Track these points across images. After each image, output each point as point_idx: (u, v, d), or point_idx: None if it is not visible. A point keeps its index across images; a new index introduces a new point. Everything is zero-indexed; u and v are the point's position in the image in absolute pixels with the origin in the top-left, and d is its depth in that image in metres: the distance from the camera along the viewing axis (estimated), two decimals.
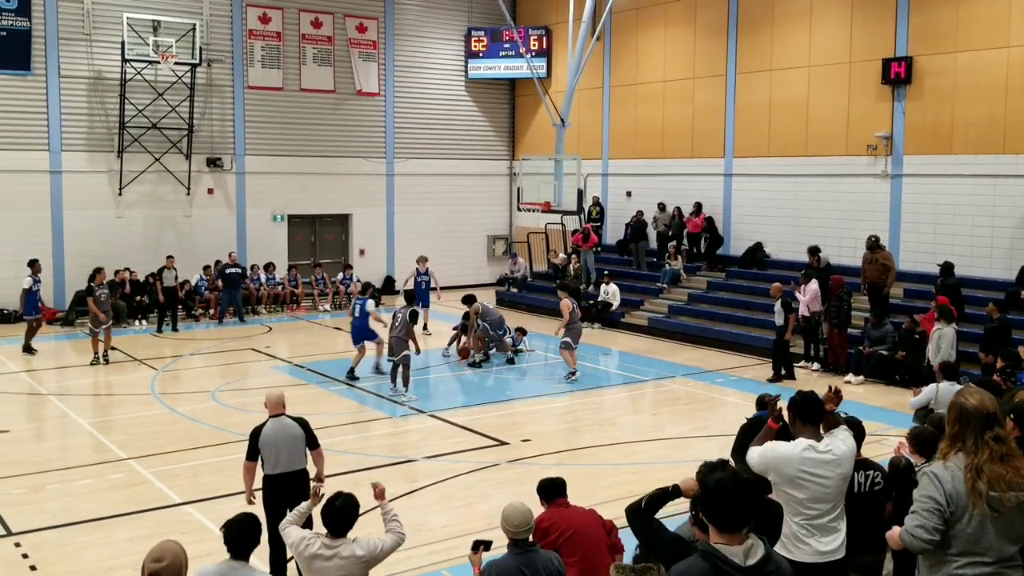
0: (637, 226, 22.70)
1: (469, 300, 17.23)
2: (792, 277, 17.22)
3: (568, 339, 15.47)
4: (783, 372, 15.52)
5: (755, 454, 4.99)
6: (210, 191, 23.28)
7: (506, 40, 26.45)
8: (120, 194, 21.93)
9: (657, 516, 4.53)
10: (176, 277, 20.59)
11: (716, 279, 20.93)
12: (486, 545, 5.37)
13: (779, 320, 15.46)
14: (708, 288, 20.81)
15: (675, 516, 5.70)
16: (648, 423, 13.38)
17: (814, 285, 16.07)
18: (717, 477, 3.51)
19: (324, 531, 5.44)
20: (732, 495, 3.45)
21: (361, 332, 15.65)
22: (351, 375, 15.43)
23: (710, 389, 15.24)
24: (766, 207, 20.94)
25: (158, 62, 21.42)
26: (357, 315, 15.67)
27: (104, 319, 16.66)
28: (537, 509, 5.84)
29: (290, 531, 5.60)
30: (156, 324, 20.20)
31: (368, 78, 25.38)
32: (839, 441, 5.01)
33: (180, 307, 21.11)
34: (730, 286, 20.50)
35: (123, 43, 21.04)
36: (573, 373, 15.49)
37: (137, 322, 20.75)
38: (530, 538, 5.30)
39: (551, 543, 5.72)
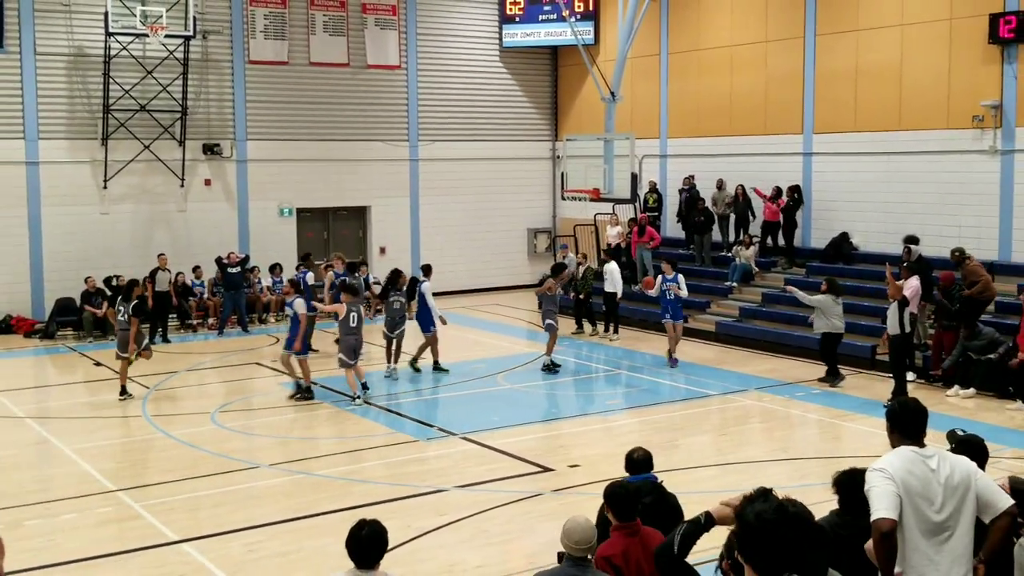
0: (701, 213, 22.50)
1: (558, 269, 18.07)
2: (883, 273, 16.93)
3: (342, 355, 15.16)
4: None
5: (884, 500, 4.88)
6: (207, 182, 23.57)
7: (546, 2, 26.43)
8: (105, 187, 22.28)
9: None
10: (171, 280, 20.87)
11: (794, 276, 20.71)
12: None
13: (893, 328, 15.05)
14: (786, 286, 20.56)
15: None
16: (715, 445, 13.27)
17: (915, 281, 15.83)
18: (757, 509, 3.43)
19: (351, 566, 5.44)
20: (775, 531, 3.38)
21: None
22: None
23: (789, 405, 15.08)
24: (853, 191, 20.68)
25: (146, 35, 21.73)
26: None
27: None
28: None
29: None
30: (149, 335, 20.34)
31: (386, 49, 25.52)
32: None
33: (174, 314, 21.39)
34: (812, 284, 20.19)
35: (107, 14, 21.37)
36: (356, 397, 15.10)
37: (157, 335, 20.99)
38: (588, 556, 5.40)
39: None
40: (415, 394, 16.41)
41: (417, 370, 17.32)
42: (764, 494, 3.53)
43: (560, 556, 5.59)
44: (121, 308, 15.65)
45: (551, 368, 17.13)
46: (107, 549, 9.55)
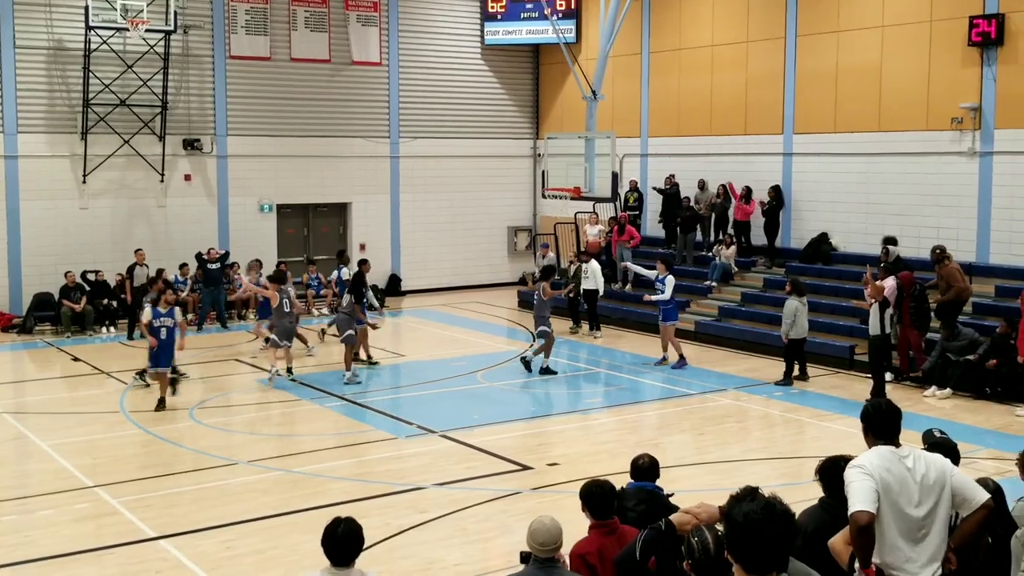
0: (689, 214, 22.54)
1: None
2: (862, 273, 17.04)
3: (274, 337, 16.29)
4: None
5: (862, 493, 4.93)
6: (187, 177, 23.45)
7: (528, 0, 26.44)
8: (84, 181, 22.14)
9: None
10: (148, 275, 20.88)
11: (774, 276, 20.82)
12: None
13: (874, 328, 15.17)
14: (765, 286, 20.70)
15: None
16: (694, 445, 13.33)
17: (891, 281, 15.97)
18: (745, 509, 3.48)
19: (327, 564, 5.42)
20: (763, 529, 3.43)
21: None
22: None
23: (768, 404, 15.17)
24: (832, 192, 20.80)
25: (127, 29, 21.56)
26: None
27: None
28: (571, 525, 5.77)
29: None
30: (127, 331, 20.47)
31: (368, 45, 25.46)
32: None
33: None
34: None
35: (87, 8, 21.21)
36: (275, 375, 16.01)
37: (105, 329, 20.93)
38: (555, 556, 5.40)
39: None
40: (393, 391, 16.41)
41: (375, 363, 17.54)
42: (751, 493, 3.56)
43: (523, 556, 5.57)
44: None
45: (550, 371, 16.81)
46: (84, 545, 9.50)
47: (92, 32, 21.54)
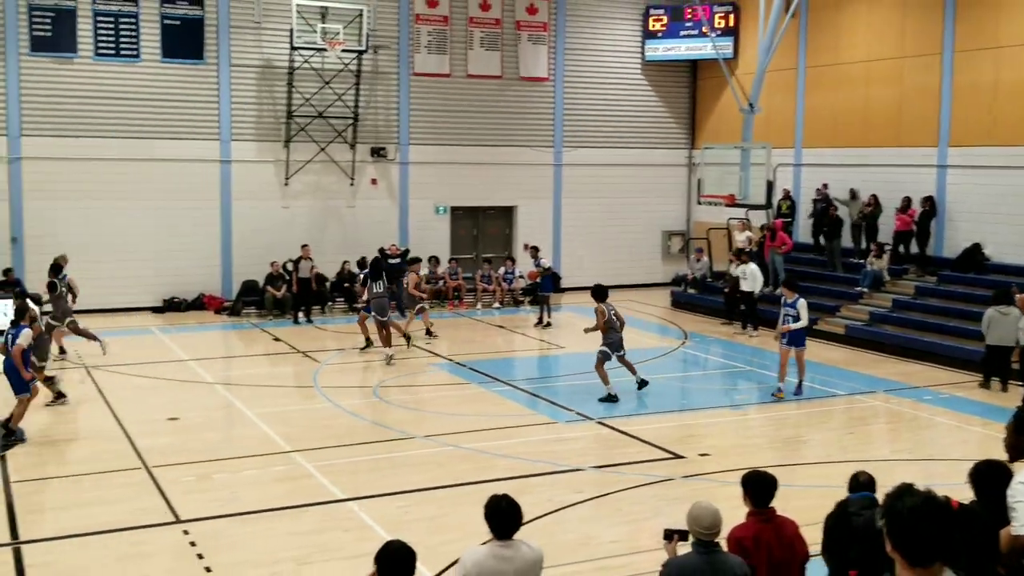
0: (832, 222, 21.80)
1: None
2: (1012, 283, 16.06)
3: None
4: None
5: None
6: (373, 181, 24.29)
7: (688, 19, 26.08)
8: (286, 184, 23.26)
9: None
10: (312, 268, 21.70)
11: (926, 284, 19.84)
12: (681, 534, 5.41)
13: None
14: (916, 293, 19.75)
15: None
16: (842, 443, 12.86)
17: None
18: (908, 503, 3.40)
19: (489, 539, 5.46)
20: (927, 522, 3.34)
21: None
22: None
23: (917, 407, 14.47)
24: (987, 204, 19.62)
25: (325, 49, 22.55)
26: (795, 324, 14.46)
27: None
28: (729, 513, 5.69)
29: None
30: (303, 316, 21.42)
31: (537, 62, 25.70)
32: None
33: (342, 298, 22.31)
34: (942, 292, 19.36)
35: (292, 30, 22.30)
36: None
37: (300, 315, 21.90)
38: (715, 540, 5.38)
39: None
40: (553, 380, 16.52)
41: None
42: (909, 488, 3.49)
43: (667, 534, 5.50)
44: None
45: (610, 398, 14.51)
46: (283, 503, 9.99)
47: (295, 52, 22.61)
